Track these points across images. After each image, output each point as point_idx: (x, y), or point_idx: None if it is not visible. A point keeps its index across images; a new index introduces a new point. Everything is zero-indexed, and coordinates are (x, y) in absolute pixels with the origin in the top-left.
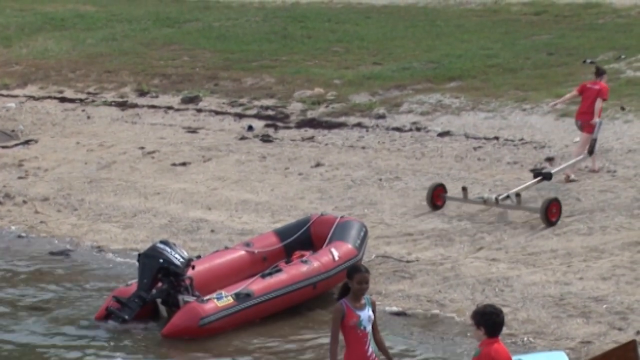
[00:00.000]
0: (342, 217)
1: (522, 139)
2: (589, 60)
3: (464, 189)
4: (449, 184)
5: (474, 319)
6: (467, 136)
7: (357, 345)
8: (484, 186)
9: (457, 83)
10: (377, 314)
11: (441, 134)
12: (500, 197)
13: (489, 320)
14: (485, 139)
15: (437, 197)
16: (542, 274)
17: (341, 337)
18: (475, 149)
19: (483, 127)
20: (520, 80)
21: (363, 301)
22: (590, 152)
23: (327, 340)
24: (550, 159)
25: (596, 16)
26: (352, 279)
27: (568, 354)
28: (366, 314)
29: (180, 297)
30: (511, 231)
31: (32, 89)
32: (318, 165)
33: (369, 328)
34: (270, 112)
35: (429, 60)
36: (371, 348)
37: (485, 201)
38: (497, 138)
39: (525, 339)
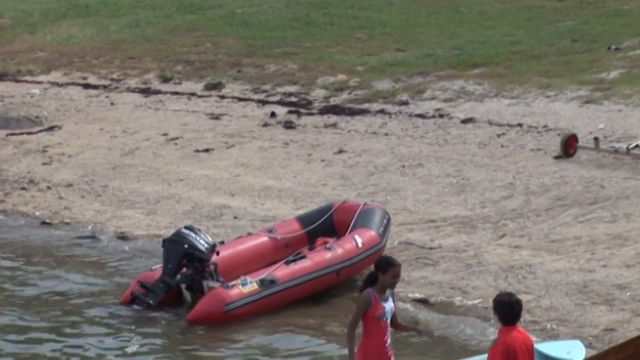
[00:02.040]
0: (365, 204)
1: (545, 126)
2: (613, 47)
3: (596, 139)
4: (471, 171)
5: (493, 306)
6: (490, 123)
7: (377, 336)
8: (507, 173)
9: (480, 70)
10: (398, 302)
11: (464, 121)
12: (631, 146)
13: (502, 309)
14: (509, 125)
15: (569, 146)
16: (565, 261)
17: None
18: (498, 135)
19: (506, 113)
20: (544, 67)
21: (387, 293)
22: None
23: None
24: None
25: (621, 2)
26: (386, 273)
27: (590, 342)
28: (389, 305)
29: (204, 283)
30: (534, 218)
31: (56, 76)
32: (341, 151)
33: (389, 320)
34: (293, 99)
35: (452, 47)
36: (389, 340)
37: (616, 150)
38: (520, 125)
39: (549, 326)
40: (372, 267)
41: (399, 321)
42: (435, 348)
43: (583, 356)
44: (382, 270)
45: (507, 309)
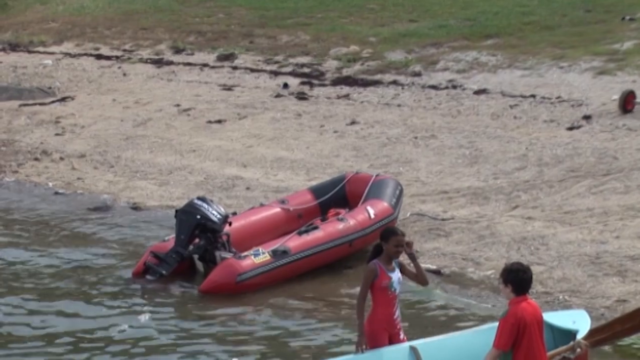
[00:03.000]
0: (377, 175)
1: (559, 97)
2: (627, 17)
3: None
4: (484, 142)
5: (501, 276)
6: (503, 94)
7: (386, 307)
8: (520, 144)
9: (493, 40)
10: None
11: (477, 92)
12: None
13: (516, 278)
14: (522, 97)
15: (628, 102)
16: (578, 232)
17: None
18: (511, 107)
19: (519, 84)
20: (557, 38)
21: (393, 263)
22: None
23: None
24: (587, 117)
25: None
26: (388, 242)
27: (602, 313)
28: (396, 275)
29: (217, 253)
30: (547, 189)
31: (68, 46)
32: (353, 123)
33: (398, 290)
34: (305, 70)
35: (465, 18)
36: (397, 311)
37: None
38: (533, 96)
39: (561, 297)
40: None
41: (409, 271)
42: (446, 319)
43: (588, 326)
44: (385, 239)
45: (520, 276)
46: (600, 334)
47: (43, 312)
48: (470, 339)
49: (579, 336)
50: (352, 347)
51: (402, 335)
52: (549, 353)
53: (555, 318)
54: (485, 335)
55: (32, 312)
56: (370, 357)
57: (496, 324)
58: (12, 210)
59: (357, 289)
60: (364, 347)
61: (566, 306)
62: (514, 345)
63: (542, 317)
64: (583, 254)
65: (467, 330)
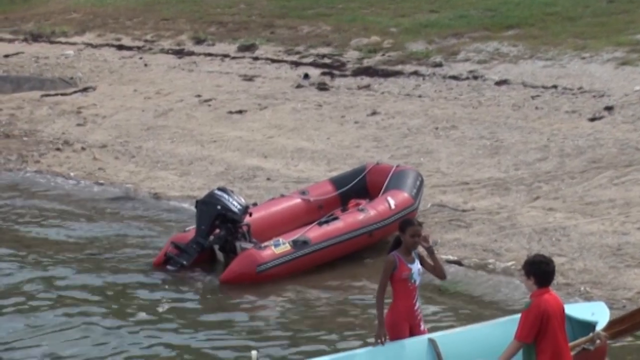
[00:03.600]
0: (398, 165)
1: (580, 88)
2: None
3: None
4: (505, 133)
5: (524, 268)
6: (524, 85)
7: (406, 299)
8: (541, 135)
9: (515, 31)
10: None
11: (498, 83)
12: None
13: (538, 270)
14: (543, 87)
15: None
16: (599, 223)
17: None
18: (533, 97)
19: (541, 75)
20: (579, 29)
21: (413, 254)
22: None
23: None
24: (609, 108)
25: None
26: (405, 232)
27: (624, 305)
28: (416, 267)
29: (237, 244)
30: (569, 180)
31: (90, 37)
32: (374, 113)
33: (418, 281)
34: (326, 60)
35: (486, 8)
36: (418, 302)
37: None
38: (555, 87)
39: (582, 288)
40: None
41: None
42: (467, 310)
43: (607, 318)
44: (402, 230)
45: (543, 268)
46: (620, 326)
47: (62, 301)
48: (489, 331)
49: (598, 328)
50: (372, 337)
51: (422, 327)
52: (569, 344)
53: (574, 310)
54: (504, 327)
55: (51, 301)
56: (388, 349)
57: (515, 316)
58: (34, 200)
59: (378, 280)
60: (383, 339)
61: (587, 298)
62: (537, 337)
63: (564, 309)
64: (604, 246)
65: (487, 322)
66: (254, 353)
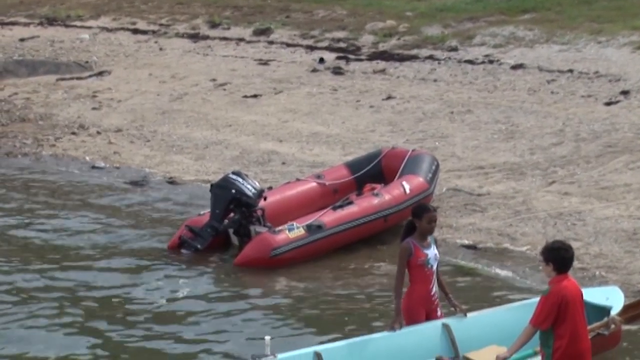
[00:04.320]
0: (413, 150)
1: (596, 72)
2: None
3: None
4: (520, 117)
5: (542, 255)
6: (540, 69)
7: (423, 284)
8: (557, 119)
9: (530, 15)
10: (446, 248)
11: (514, 67)
12: None
13: (558, 256)
14: (559, 72)
15: None
16: (615, 208)
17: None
18: (548, 82)
19: (557, 59)
20: (596, 12)
21: (429, 240)
22: None
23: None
24: (625, 92)
25: None
26: (421, 218)
27: (639, 290)
28: (432, 252)
29: (252, 228)
30: (584, 165)
31: (105, 21)
32: (389, 98)
33: (435, 267)
34: (341, 45)
35: None
36: (435, 288)
37: None
38: (571, 71)
39: (597, 273)
40: None
41: (440, 275)
42: (481, 294)
43: (622, 302)
44: (417, 216)
45: (562, 255)
46: (634, 310)
47: (78, 284)
48: (503, 316)
49: (613, 312)
50: (388, 323)
51: (439, 312)
52: None
53: (588, 294)
54: (518, 312)
55: (67, 282)
56: (403, 335)
57: (529, 301)
58: (50, 184)
59: (393, 264)
60: (399, 325)
61: (602, 282)
62: (555, 322)
63: (582, 294)
64: (620, 230)
65: (500, 307)
66: (267, 338)
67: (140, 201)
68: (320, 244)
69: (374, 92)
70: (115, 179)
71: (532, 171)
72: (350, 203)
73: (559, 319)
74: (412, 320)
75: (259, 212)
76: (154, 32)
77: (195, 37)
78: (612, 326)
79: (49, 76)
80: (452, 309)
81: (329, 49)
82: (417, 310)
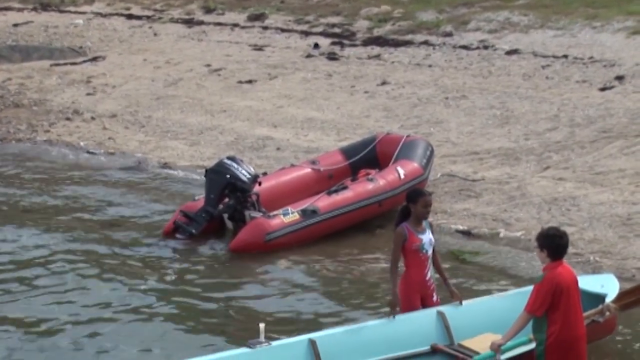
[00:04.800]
0: (408, 135)
1: (591, 57)
2: None
3: None
4: (515, 103)
5: (537, 241)
6: (535, 54)
7: (418, 269)
8: (551, 105)
9: (525, 0)
10: (440, 233)
11: (509, 52)
12: None
13: (552, 243)
14: (554, 57)
15: None
16: (609, 193)
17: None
18: (543, 67)
19: (552, 45)
20: None
21: (424, 224)
22: None
23: (389, 259)
24: (620, 78)
25: None
26: (416, 203)
27: (633, 275)
28: (427, 237)
29: (246, 213)
30: (579, 150)
31: (99, 6)
32: (384, 83)
33: (430, 252)
34: (336, 30)
35: None
36: (430, 272)
37: None
38: (566, 56)
39: (592, 258)
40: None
41: (437, 258)
42: (476, 280)
43: (617, 290)
44: (412, 201)
45: (557, 242)
46: (629, 297)
47: (70, 267)
48: (498, 303)
49: (608, 299)
50: (383, 309)
51: (435, 297)
52: None
53: (583, 282)
54: (513, 300)
55: (58, 267)
56: (398, 322)
57: (524, 289)
58: (44, 169)
59: (387, 249)
60: (396, 310)
61: (597, 267)
62: (550, 309)
63: (577, 280)
64: (614, 215)
65: (495, 295)
66: (261, 325)
67: (134, 186)
68: (315, 228)
69: (368, 77)
70: (109, 164)
71: (526, 157)
72: (345, 188)
73: (553, 306)
74: (408, 305)
75: (254, 197)
76: (148, 17)
77: (189, 22)
78: (607, 313)
79: (43, 62)
80: (451, 292)
81: (324, 34)
82: (413, 295)
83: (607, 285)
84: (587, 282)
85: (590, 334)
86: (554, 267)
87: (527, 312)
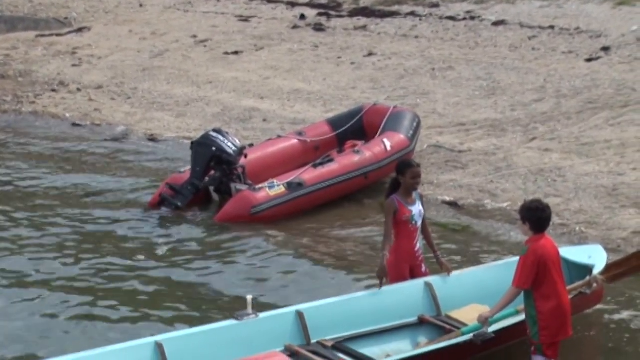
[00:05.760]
0: (394, 107)
1: (577, 28)
2: None
3: None
4: (502, 74)
5: (520, 214)
6: (521, 25)
7: (407, 240)
8: (538, 76)
9: None
10: (427, 205)
11: (495, 23)
12: None
13: (534, 216)
14: (541, 28)
15: None
16: (595, 164)
17: None
18: (530, 38)
19: (538, 16)
20: None
21: (414, 196)
22: None
23: (376, 230)
24: (606, 49)
25: None
26: (405, 174)
27: (619, 245)
28: (417, 208)
29: (232, 185)
30: (565, 121)
31: None
32: (371, 54)
33: (420, 223)
34: (322, 1)
35: None
36: (419, 244)
37: None
38: (552, 27)
39: (577, 229)
40: None
41: (427, 230)
42: (463, 251)
43: (604, 261)
44: (401, 172)
45: (539, 215)
46: (617, 269)
47: (54, 239)
48: (485, 274)
49: (595, 271)
50: (372, 281)
51: (424, 268)
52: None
53: (570, 253)
54: (499, 271)
55: (47, 240)
56: (385, 293)
57: (511, 259)
58: (30, 141)
59: (374, 221)
60: (385, 281)
61: (582, 238)
62: (534, 282)
63: (559, 253)
64: (600, 186)
65: (482, 266)
66: (249, 297)
67: (120, 158)
68: (301, 201)
69: (355, 48)
70: (95, 135)
71: (513, 128)
72: (331, 160)
73: (539, 279)
74: (396, 275)
75: (240, 170)
76: None
77: None
78: (595, 285)
79: (28, 32)
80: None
81: (310, 5)
82: (402, 265)
83: (595, 257)
84: (574, 253)
85: (577, 306)
86: (537, 240)
87: (515, 286)
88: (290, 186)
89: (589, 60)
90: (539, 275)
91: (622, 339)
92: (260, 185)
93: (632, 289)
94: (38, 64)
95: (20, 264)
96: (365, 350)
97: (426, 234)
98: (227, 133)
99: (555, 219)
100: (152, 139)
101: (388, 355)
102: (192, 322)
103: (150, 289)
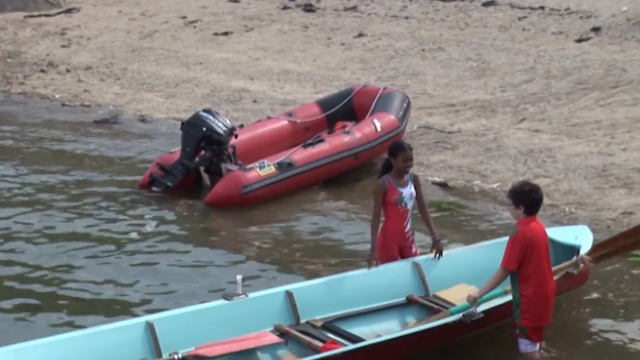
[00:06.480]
0: (384, 88)
1: (568, 9)
2: None
3: None
4: (492, 55)
5: (511, 197)
6: (512, 6)
7: (397, 221)
8: (528, 57)
9: None
10: (420, 186)
11: (485, 4)
12: None
13: (528, 198)
14: (531, 8)
15: None
16: (585, 145)
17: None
18: (520, 19)
19: None
20: None
21: (405, 178)
22: None
23: (366, 210)
24: (596, 29)
25: None
26: (397, 157)
27: (608, 225)
28: (408, 190)
29: (223, 166)
30: (555, 102)
31: None
32: (361, 35)
33: (410, 205)
34: None
35: None
36: (409, 225)
37: None
38: (542, 8)
39: (567, 209)
40: None
41: (425, 211)
42: (452, 232)
43: (591, 241)
44: (393, 155)
45: (532, 197)
46: (604, 249)
47: (42, 220)
48: (473, 254)
49: (582, 251)
50: (361, 261)
51: (414, 249)
52: (553, 269)
53: (557, 233)
54: (487, 251)
55: (38, 222)
56: (374, 273)
57: (500, 240)
58: (20, 122)
59: (364, 202)
60: (374, 262)
61: (572, 219)
62: (522, 264)
63: (547, 237)
64: (590, 167)
65: (470, 246)
66: (238, 277)
67: (110, 139)
68: (291, 181)
69: (345, 29)
70: (84, 116)
71: (502, 108)
72: (321, 141)
73: (525, 261)
74: (385, 256)
75: (230, 150)
76: None
77: None
78: (581, 265)
79: (17, 13)
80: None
81: None
82: (391, 245)
83: (581, 237)
84: (561, 234)
85: (563, 286)
86: (528, 222)
87: (504, 268)
88: (280, 166)
89: (579, 40)
90: (525, 258)
91: (608, 321)
92: (250, 166)
93: (618, 270)
94: (27, 44)
95: (9, 243)
96: (354, 330)
97: (424, 215)
98: (217, 113)
99: (545, 200)
100: (142, 119)
101: (378, 335)
102: (180, 303)
103: (137, 268)
